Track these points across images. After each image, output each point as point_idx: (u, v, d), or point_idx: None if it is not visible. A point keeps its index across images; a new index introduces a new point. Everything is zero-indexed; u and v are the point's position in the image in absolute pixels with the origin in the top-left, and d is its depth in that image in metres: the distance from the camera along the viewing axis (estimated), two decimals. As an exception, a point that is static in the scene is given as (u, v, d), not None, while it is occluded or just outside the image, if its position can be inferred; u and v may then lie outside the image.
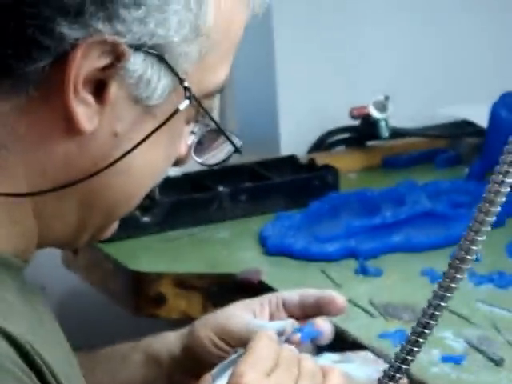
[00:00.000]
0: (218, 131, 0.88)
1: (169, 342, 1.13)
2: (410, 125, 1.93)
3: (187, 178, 1.66)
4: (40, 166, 0.80)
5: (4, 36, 0.73)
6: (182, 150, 0.88)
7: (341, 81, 1.98)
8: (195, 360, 1.08)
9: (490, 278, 1.41)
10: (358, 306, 1.34)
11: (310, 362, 0.97)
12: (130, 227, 1.54)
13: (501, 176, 0.81)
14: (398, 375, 0.87)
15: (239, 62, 0.94)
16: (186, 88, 0.79)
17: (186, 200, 1.63)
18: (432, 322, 0.86)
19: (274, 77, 1.98)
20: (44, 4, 0.73)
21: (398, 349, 0.96)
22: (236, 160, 1.35)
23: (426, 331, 0.85)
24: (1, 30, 0.73)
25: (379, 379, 0.90)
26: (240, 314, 1.10)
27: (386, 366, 1.01)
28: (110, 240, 1.37)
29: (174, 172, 1.60)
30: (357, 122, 1.86)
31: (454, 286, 0.84)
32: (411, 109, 1.93)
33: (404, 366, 0.86)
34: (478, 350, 1.24)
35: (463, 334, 1.28)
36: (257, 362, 0.94)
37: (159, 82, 0.79)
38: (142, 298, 1.49)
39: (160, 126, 0.80)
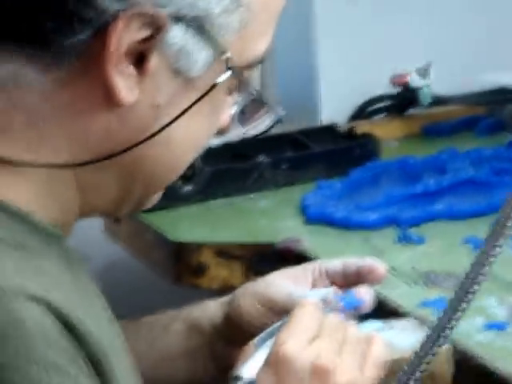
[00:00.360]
0: (260, 101, 0.87)
1: (210, 311, 1.11)
2: (451, 92, 1.87)
3: (228, 147, 1.56)
4: (81, 137, 0.79)
5: (45, 9, 0.73)
6: (224, 120, 0.85)
7: (381, 48, 1.93)
8: (236, 329, 1.05)
9: (534, 243, 1.35)
10: (400, 274, 1.33)
11: (353, 329, 0.97)
12: (170, 197, 1.49)
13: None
14: (440, 340, 0.87)
15: (279, 29, 0.93)
16: (226, 59, 0.78)
17: (227, 169, 1.63)
18: (474, 287, 0.84)
19: (314, 45, 1.95)
20: None
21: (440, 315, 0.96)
22: (276, 129, 1.35)
23: (468, 296, 0.84)
24: (42, 3, 0.73)
25: (422, 344, 0.90)
26: (282, 282, 1.08)
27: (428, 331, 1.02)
28: (151, 210, 1.36)
29: (215, 141, 1.55)
30: (397, 90, 1.82)
31: (495, 251, 0.82)
32: (452, 76, 1.89)
33: (446, 332, 0.86)
34: (522, 316, 1.18)
35: (507, 301, 1.26)
36: (299, 330, 0.94)
37: (200, 54, 0.77)
38: (183, 268, 1.49)
39: (201, 98, 0.79)
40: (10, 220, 0.77)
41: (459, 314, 0.84)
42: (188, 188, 1.55)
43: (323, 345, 0.94)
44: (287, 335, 0.93)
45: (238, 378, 0.94)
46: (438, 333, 0.87)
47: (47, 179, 0.79)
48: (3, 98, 0.77)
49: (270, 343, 0.96)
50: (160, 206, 1.38)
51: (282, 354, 0.91)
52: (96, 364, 0.74)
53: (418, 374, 0.88)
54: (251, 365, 0.96)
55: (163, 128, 0.78)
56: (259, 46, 0.81)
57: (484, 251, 0.82)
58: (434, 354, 0.88)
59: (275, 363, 0.92)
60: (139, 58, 0.74)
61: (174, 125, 0.78)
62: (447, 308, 0.86)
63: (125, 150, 0.78)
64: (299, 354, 0.91)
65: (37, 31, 0.74)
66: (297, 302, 0.99)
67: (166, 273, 1.56)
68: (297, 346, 0.92)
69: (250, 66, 0.82)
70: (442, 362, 1.11)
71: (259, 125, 0.89)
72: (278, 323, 0.99)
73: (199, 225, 1.56)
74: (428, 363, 0.88)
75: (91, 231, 1.57)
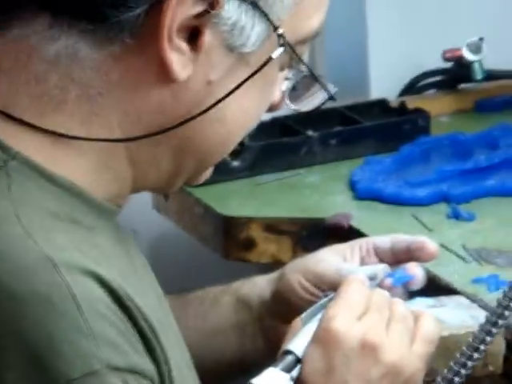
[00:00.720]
0: (312, 77, 0.89)
1: (259, 286, 1.16)
2: (504, 67, 1.84)
3: (276, 121, 1.62)
4: (134, 113, 0.82)
5: None
6: (276, 96, 0.88)
7: (433, 22, 1.91)
8: (285, 304, 1.10)
9: None
10: (451, 251, 1.33)
11: (401, 306, 0.99)
12: (219, 172, 1.39)
13: None
14: (500, 321, 0.89)
15: (330, 4, 0.92)
16: (279, 35, 0.80)
17: (276, 144, 1.61)
18: None
19: (364, 18, 1.93)
20: None
21: (495, 294, 1.02)
22: (326, 104, 1.34)
23: None
24: None
25: (481, 325, 0.92)
26: (330, 258, 1.12)
27: (480, 310, 1.08)
28: (200, 184, 1.41)
29: (263, 116, 1.56)
30: (449, 65, 1.79)
31: None
32: (505, 50, 1.83)
33: (505, 313, 0.88)
34: None
35: None
36: (347, 306, 0.97)
37: (253, 30, 0.79)
38: (231, 242, 1.49)
39: (254, 74, 0.80)
40: (65, 194, 0.81)
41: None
42: (237, 163, 1.55)
43: (371, 321, 0.96)
44: (335, 311, 0.96)
45: (287, 353, 0.97)
46: (497, 315, 0.89)
47: (100, 154, 0.82)
48: (58, 73, 0.79)
49: (317, 318, 0.99)
50: (209, 181, 1.41)
51: (330, 329, 0.94)
52: (144, 338, 0.77)
53: (476, 356, 0.91)
54: (299, 340, 0.99)
55: (216, 103, 0.80)
56: (312, 22, 0.84)
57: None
58: (493, 336, 0.90)
59: (324, 339, 0.95)
60: (193, 34, 0.76)
61: (226, 101, 0.80)
62: (508, 289, 0.88)
63: (177, 126, 0.81)
64: (348, 330, 0.94)
65: (92, 6, 0.76)
66: (345, 278, 1.04)
67: (214, 247, 1.56)
68: (345, 322, 0.95)
69: (302, 42, 0.84)
70: (496, 342, 1.10)
71: (311, 101, 0.91)
72: (325, 299, 1.03)
73: (248, 200, 1.55)
74: (487, 344, 0.91)
75: (141, 203, 1.57)
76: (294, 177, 1.58)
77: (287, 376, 1.00)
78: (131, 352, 0.77)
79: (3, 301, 0.76)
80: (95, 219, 0.84)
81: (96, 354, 0.74)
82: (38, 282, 0.76)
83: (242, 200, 1.55)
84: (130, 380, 0.77)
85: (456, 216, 1.41)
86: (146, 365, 0.79)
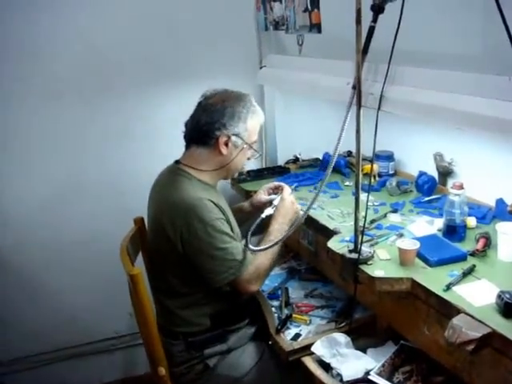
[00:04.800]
0: (255, 151, 2.18)
1: (246, 204, 2.52)
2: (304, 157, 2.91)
3: (251, 170, 2.92)
4: (214, 163, 2.18)
5: (201, 135, 2.14)
6: (247, 156, 2.18)
7: (286, 142, 3.28)
8: (254, 207, 2.48)
9: None
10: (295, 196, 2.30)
11: (292, 197, 2.22)
12: (238, 177, 2.81)
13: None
14: (306, 213, 1.57)
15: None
16: (246, 142, 2.12)
17: (249, 173, 2.92)
18: (314, 203, 1.33)
19: (275, 142, 3.27)
20: (212, 126, 2.13)
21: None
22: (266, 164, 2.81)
23: (312, 204, 1.32)
24: (200, 133, 2.15)
25: (303, 213, 1.46)
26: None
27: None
28: (233, 179, 2.77)
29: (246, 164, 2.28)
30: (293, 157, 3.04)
31: (322, 188, 1.37)
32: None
33: (306, 212, 1.46)
34: None
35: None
36: (286, 192, 2.29)
37: (239, 141, 2.13)
38: (246, 195, 2.74)
39: (240, 151, 2.14)
40: (203, 184, 2.14)
41: (310, 209, 1.71)
42: (241, 176, 2.83)
43: (292, 198, 2.26)
44: (283, 193, 2.29)
45: (271, 203, 2.27)
46: (305, 212, 1.79)
47: (210, 173, 2.20)
48: (200, 156, 2.17)
49: (279, 198, 2.24)
50: (235, 180, 2.81)
51: (283, 197, 2.27)
52: (223, 212, 2.09)
53: (302, 218, 1.87)
54: (276, 201, 2.29)
55: (233, 159, 2.15)
56: (254, 138, 2.18)
57: (317, 189, 1.52)
58: (303, 216, 1.83)
59: (282, 200, 2.28)
60: (226, 143, 2.14)
61: (235, 158, 2.15)
62: (307, 208, 1.68)
63: (224, 166, 2.17)
64: (287, 198, 2.28)
65: (205, 141, 2.16)
66: (285, 188, 2.32)
67: (241, 194, 2.82)
68: (286, 196, 2.28)
69: (252, 143, 2.17)
70: (302, 218, 2.02)
71: (254, 157, 2.23)
72: (280, 194, 2.25)
73: (250, 185, 2.85)
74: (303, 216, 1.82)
75: (222, 182, 2.45)
76: (259, 182, 2.87)
77: (272, 210, 2.20)
78: (220, 215, 2.07)
79: (191, 207, 1.99)
80: (210, 188, 2.14)
81: (212, 216, 2.03)
82: (198, 202, 2.00)
83: (247, 185, 2.85)
84: (220, 221, 2.06)
85: (296, 188, 2.54)
86: (224, 216, 2.09)
